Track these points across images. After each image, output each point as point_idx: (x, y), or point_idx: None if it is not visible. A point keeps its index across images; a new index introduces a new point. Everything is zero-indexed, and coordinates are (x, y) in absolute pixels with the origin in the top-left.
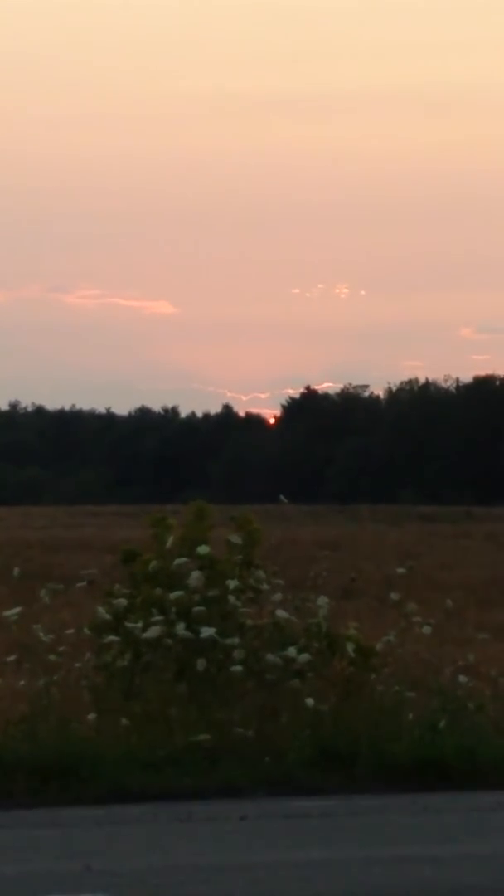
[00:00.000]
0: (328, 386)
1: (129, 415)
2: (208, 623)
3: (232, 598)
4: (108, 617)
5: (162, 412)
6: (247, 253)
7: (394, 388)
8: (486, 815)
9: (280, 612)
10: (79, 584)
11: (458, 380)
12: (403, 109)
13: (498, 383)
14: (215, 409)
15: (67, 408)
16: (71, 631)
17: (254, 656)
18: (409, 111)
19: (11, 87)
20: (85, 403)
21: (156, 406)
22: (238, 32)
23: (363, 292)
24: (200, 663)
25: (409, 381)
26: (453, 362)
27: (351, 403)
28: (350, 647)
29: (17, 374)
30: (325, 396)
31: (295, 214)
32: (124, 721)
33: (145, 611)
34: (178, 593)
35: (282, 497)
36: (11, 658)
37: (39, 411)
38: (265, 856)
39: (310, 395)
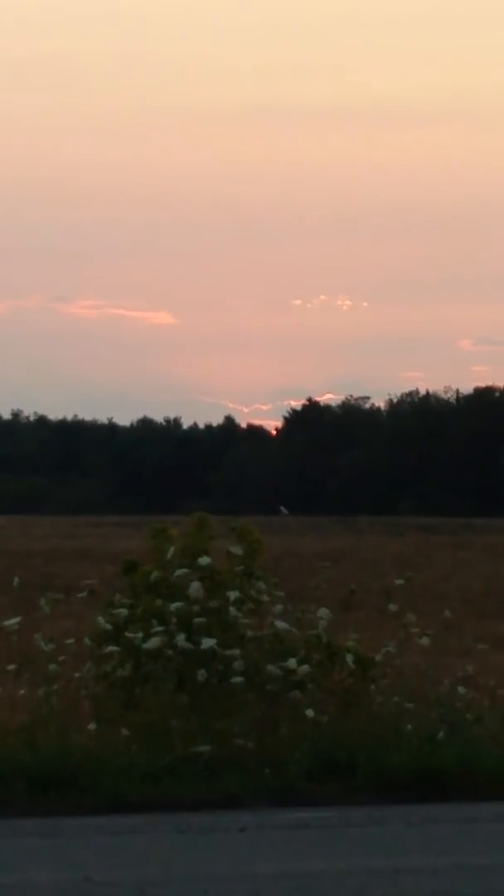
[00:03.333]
0: (329, 397)
1: (131, 425)
2: (209, 634)
3: (232, 610)
4: (108, 627)
5: (164, 423)
6: (248, 264)
7: (394, 400)
8: (484, 826)
9: (280, 624)
10: (79, 594)
11: (458, 391)
12: (406, 121)
13: (497, 395)
14: (217, 420)
15: (69, 418)
16: (71, 641)
17: (254, 667)
18: (412, 123)
19: (11, 96)
20: (87, 414)
21: (158, 417)
22: (243, 43)
23: (365, 304)
24: (201, 674)
25: (410, 393)
26: (453, 374)
27: (352, 415)
28: (349, 659)
29: (18, 384)
30: (327, 408)
31: (297, 226)
32: (124, 731)
33: (146, 621)
34: (178, 604)
35: (282, 508)
36: (11, 667)
37: (41, 421)
38: (265, 867)
39: (311, 407)
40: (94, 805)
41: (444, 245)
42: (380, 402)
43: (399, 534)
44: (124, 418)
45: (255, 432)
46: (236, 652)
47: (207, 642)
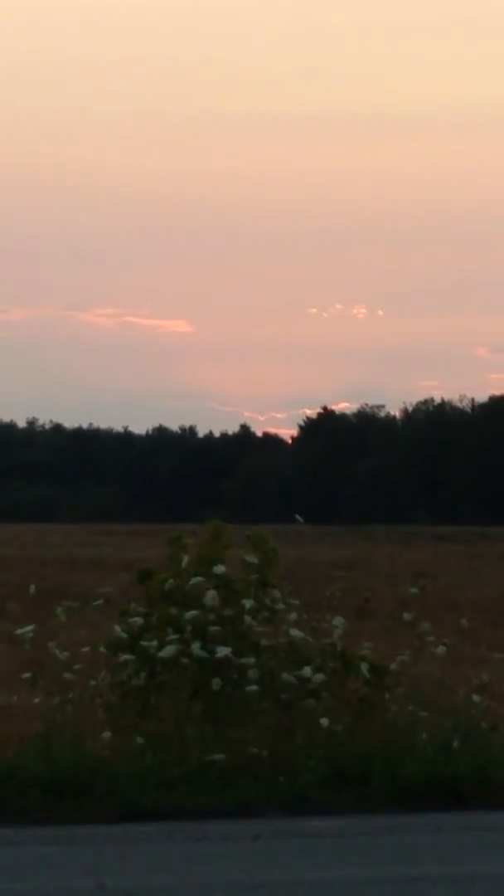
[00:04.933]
0: (345, 406)
1: (147, 434)
2: (224, 642)
3: (248, 618)
4: (123, 635)
5: (179, 431)
6: (265, 273)
7: (410, 408)
8: (499, 835)
9: (295, 632)
10: (95, 603)
11: (473, 399)
12: (424, 130)
13: None
14: (233, 428)
15: (85, 426)
16: (86, 649)
17: (269, 676)
18: (430, 132)
19: (31, 103)
20: (102, 422)
21: (173, 425)
22: (260, 51)
23: (380, 312)
24: (216, 682)
25: (426, 401)
26: (469, 382)
27: (367, 423)
28: (364, 667)
29: (34, 392)
30: (342, 416)
31: (313, 234)
32: (139, 739)
33: (161, 630)
34: (193, 613)
35: (297, 517)
36: (26, 675)
37: (57, 429)
38: (279, 875)
39: (326, 415)
40: (108, 813)
41: (460, 253)
42: (395, 411)
43: (414, 542)
44: (140, 426)
45: (271, 440)
46: (251, 660)
47: (222, 651)
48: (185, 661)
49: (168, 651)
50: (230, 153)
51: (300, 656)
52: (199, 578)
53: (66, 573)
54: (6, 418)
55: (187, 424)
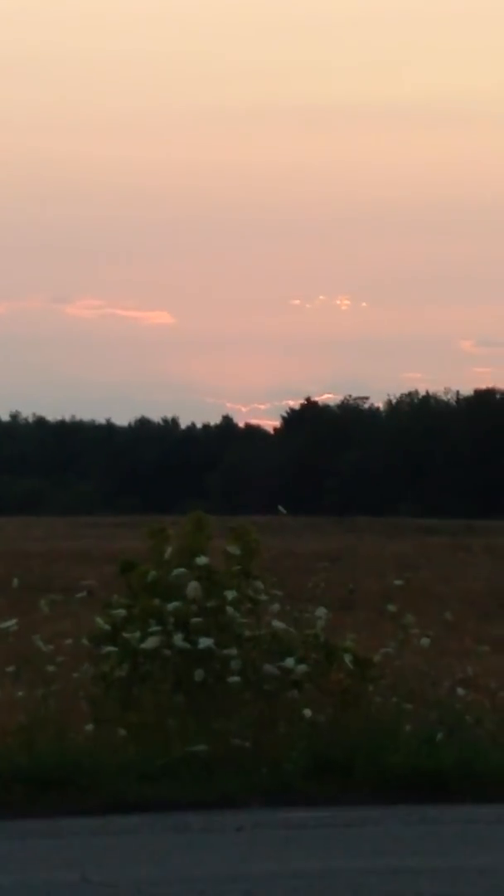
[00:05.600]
0: (328, 397)
1: (129, 426)
2: (206, 634)
3: (230, 609)
4: (106, 627)
5: (161, 423)
6: (247, 264)
7: (394, 401)
8: (483, 827)
9: (278, 623)
10: (78, 595)
11: (458, 393)
12: (406, 122)
13: (498, 396)
14: (215, 420)
15: (67, 419)
16: (69, 641)
17: (251, 667)
18: (412, 124)
19: (10, 94)
20: (85, 414)
21: (155, 417)
22: (246, 43)
23: (364, 304)
24: (198, 674)
25: (410, 394)
26: (453, 375)
27: (351, 415)
28: (348, 659)
29: (17, 384)
30: (326, 408)
31: (296, 225)
32: (122, 731)
33: (143, 621)
34: (176, 604)
35: (280, 508)
36: (9, 669)
37: (40, 422)
38: (262, 866)
39: (310, 407)
40: (91, 805)
41: (445, 245)
42: (379, 403)
43: (398, 535)
44: (122, 419)
45: (254, 432)
46: (234, 651)
47: (205, 642)
48: (167, 652)
49: (150, 643)
50: (215, 147)
51: (283, 647)
52: (182, 570)
53: (50, 565)
54: None
55: (170, 416)
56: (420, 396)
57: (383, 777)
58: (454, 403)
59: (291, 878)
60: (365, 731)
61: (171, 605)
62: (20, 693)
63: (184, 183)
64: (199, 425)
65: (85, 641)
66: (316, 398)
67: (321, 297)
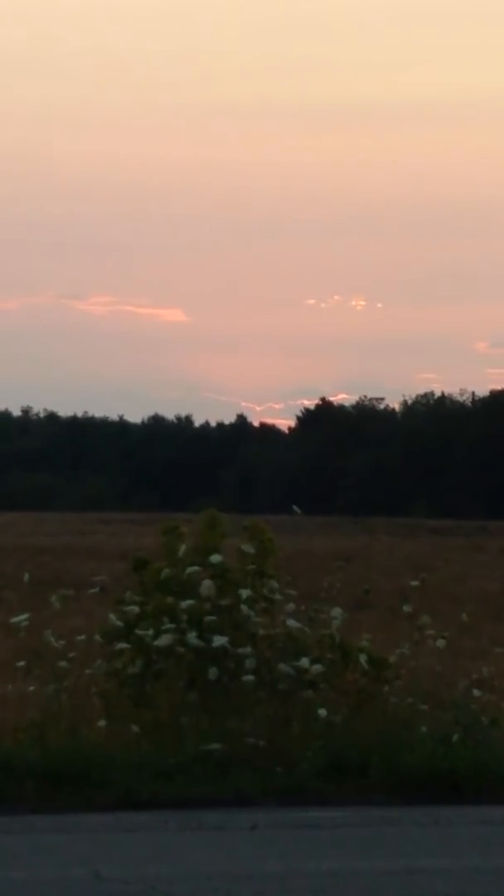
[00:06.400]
0: (343, 397)
1: (142, 423)
2: (220, 632)
3: (244, 608)
4: (119, 624)
5: (175, 420)
6: (262, 263)
7: (409, 401)
8: (497, 829)
9: (292, 623)
10: (90, 591)
11: (473, 393)
12: (422, 121)
13: None
14: (229, 418)
15: (80, 415)
16: (82, 637)
17: (266, 666)
18: (427, 123)
19: (20, 92)
20: (97, 411)
21: (169, 414)
22: (257, 41)
23: (379, 304)
24: (212, 672)
25: (425, 395)
26: (468, 376)
27: (366, 415)
28: (363, 659)
29: (29, 380)
30: (340, 408)
31: (312, 225)
32: (135, 728)
33: (156, 619)
34: (189, 602)
35: (295, 507)
36: (21, 664)
37: (52, 418)
38: (275, 866)
39: (325, 407)
40: (104, 802)
41: (460, 246)
42: (394, 404)
43: (412, 535)
44: (135, 416)
45: (268, 431)
46: (248, 650)
47: (219, 640)
48: (181, 650)
49: (164, 640)
50: (228, 144)
51: (298, 647)
52: (196, 568)
53: (62, 561)
54: (1, 407)
55: (183, 414)
56: (435, 397)
57: (398, 778)
58: (469, 404)
59: (304, 877)
60: (380, 732)
61: (185, 603)
62: (32, 688)
63: (198, 180)
64: (212, 423)
65: (97, 637)
66: (331, 398)
67: (336, 296)
